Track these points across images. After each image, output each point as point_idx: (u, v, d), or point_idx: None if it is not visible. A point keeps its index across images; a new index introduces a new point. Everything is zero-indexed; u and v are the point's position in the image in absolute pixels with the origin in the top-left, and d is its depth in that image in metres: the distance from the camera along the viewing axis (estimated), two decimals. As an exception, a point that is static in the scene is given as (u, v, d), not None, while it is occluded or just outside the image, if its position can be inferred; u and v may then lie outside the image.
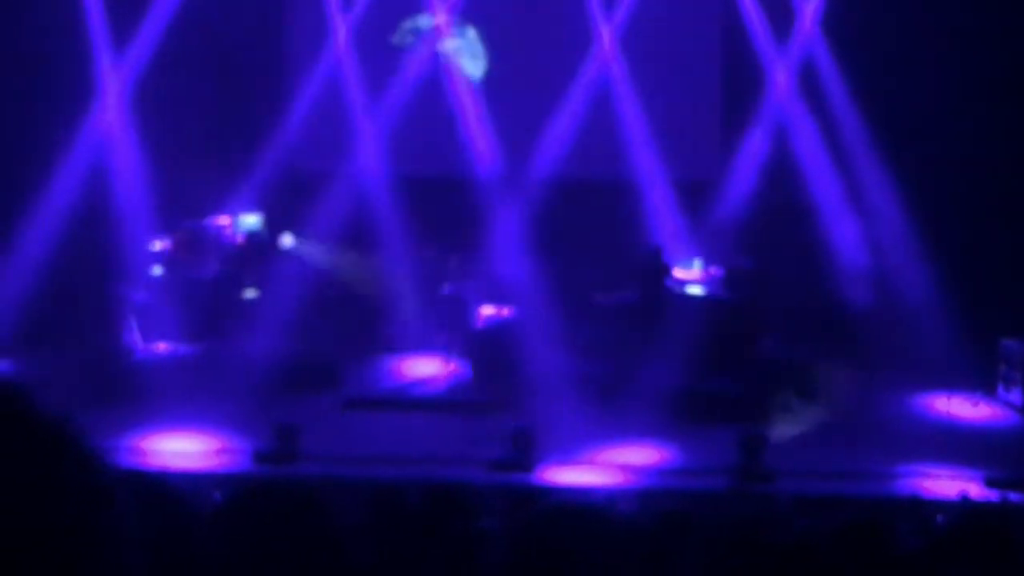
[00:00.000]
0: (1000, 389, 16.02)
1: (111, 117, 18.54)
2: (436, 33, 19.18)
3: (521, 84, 19.14)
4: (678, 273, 17.29)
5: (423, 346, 17.79)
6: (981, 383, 15.78)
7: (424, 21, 19.18)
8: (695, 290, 17.13)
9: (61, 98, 17.82)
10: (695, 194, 18.48)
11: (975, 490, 12.49)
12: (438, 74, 19.21)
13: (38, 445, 1.85)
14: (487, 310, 17.63)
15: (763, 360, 16.41)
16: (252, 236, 18.18)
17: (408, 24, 19.32)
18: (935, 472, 13.47)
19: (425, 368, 17.33)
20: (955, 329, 16.01)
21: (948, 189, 17.41)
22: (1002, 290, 16.69)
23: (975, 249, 17.31)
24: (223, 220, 18.23)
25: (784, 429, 14.71)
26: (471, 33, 19.33)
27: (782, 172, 18.08)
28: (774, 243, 17.50)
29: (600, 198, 18.63)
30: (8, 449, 1.81)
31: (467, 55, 19.35)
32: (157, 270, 17.60)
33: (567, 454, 13.82)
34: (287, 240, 18.08)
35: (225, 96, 18.85)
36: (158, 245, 17.80)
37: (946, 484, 12.88)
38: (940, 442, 14.38)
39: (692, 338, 16.33)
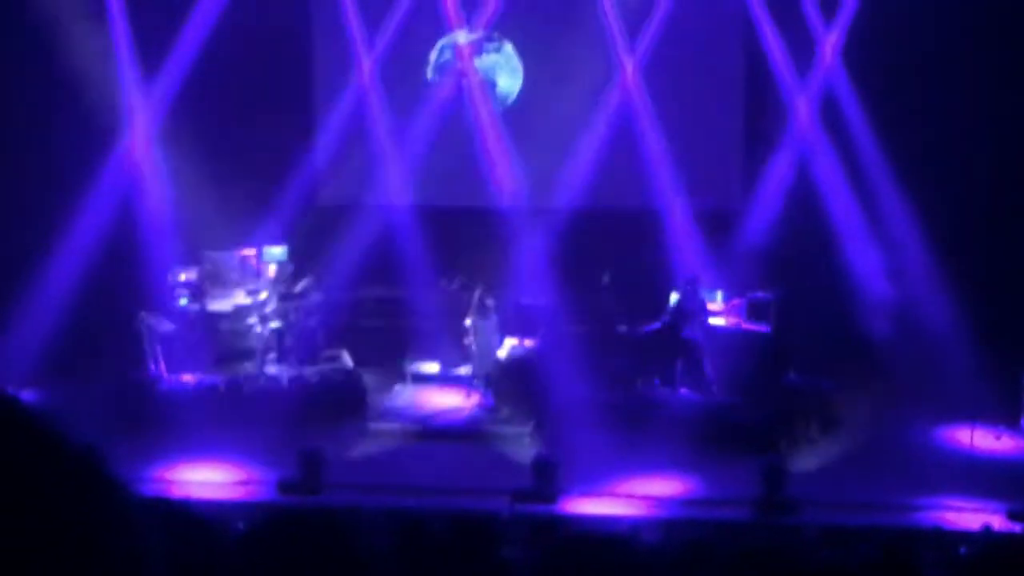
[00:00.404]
0: (1023, 421, 15.95)
1: (138, 148, 18.67)
2: (468, 53, 19.26)
3: (545, 115, 19.19)
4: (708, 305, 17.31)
5: (447, 376, 17.81)
6: (1004, 415, 15.72)
7: (460, 36, 19.23)
8: (718, 321, 17.13)
9: (90, 129, 17.95)
10: (717, 224, 18.49)
11: (998, 522, 12.46)
12: (462, 106, 19.28)
13: (61, 473, 1.88)
14: (511, 340, 17.64)
15: (786, 391, 16.40)
16: (277, 267, 18.22)
17: (444, 42, 19.42)
18: (958, 504, 13.45)
19: (449, 398, 17.34)
20: (978, 361, 15.96)
21: (970, 219, 17.42)
22: (1025, 321, 16.66)
23: (998, 280, 17.28)
24: (248, 251, 18.29)
25: (807, 460, 14.68)
26: (508, 48, 19.41)
27: (804, 202, 18.09)
28: (796, 273, 17.48)
29: (623, 228, 18.64)
30: (30, 477, 1.85)
31: (505, 71, 19.44)
32: (183, 301, 17.65)
33: (590, 484, 13.84)
34: (310, 282, 18.05)
35: (251, 128, 18.93)
36: (183, 276, 17.86)
37: (969, 516, 12.86)
38: (963, 474, 14.34)
39: (715, 369, 16.39)
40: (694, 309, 16.75)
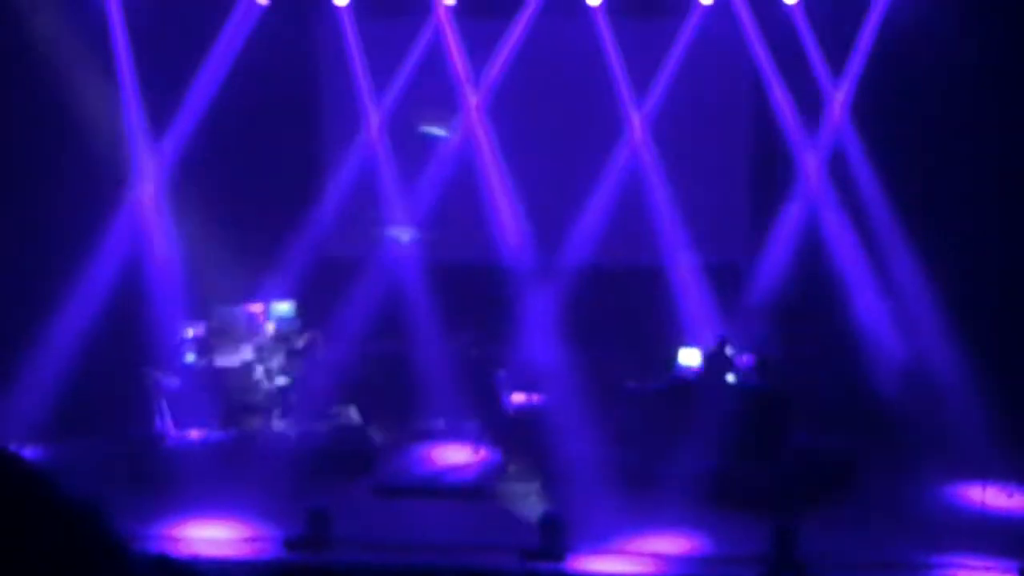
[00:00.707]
0: (1035, 479, 15.87)
1: (146, 203, 18.71)
2: (467, 118, 19.33)
3: (552, 171, 19.26)
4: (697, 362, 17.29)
5: (454, 433, 17.78)
6: (1016, 472, 15.64)
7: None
8: (727, 378, 17.08)
9: (97, 183, 18.00)
10: (726, 280, 18.49)
11: (1011, 581, 12.38)
12: (470, 161, 19.33)
13: (61, 530, 1.85)
14: (518, 397, 17.60)
15: (796, 449, 16.34)
16: (284, 323, 18.23)
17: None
18: (970, 563, 13.34)
19: (456, 455, 17.30)
20: (989, 417, 15.89)
21: (981, 274, 17.38)
22: (1037, 378, 16.61)
23: (1009, 335, 17.23)
24: (256, 307, 18.30)
25: (818, 519, 14.59)
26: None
27: (813, 257, 18.08)
28: (806, 330, 17.46)
29: (631, 285, 18.65)
30: (30, 533, 1.82)
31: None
32: (190, 357, 17.64)
33: (599, 542, 13.76)
34: (317, 337, 18.08)
35: (259, 182, 19.00)
36: (191, 332, 17.86)
37: (982, 575, 12.76)
38: (975, 532, 14.22)
39: (725, 426, 16.32)
40: (721, 367, 16.73)
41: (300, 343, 17.76)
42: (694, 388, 16.81)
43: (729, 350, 16.86)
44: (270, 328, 18.00)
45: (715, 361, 16.80)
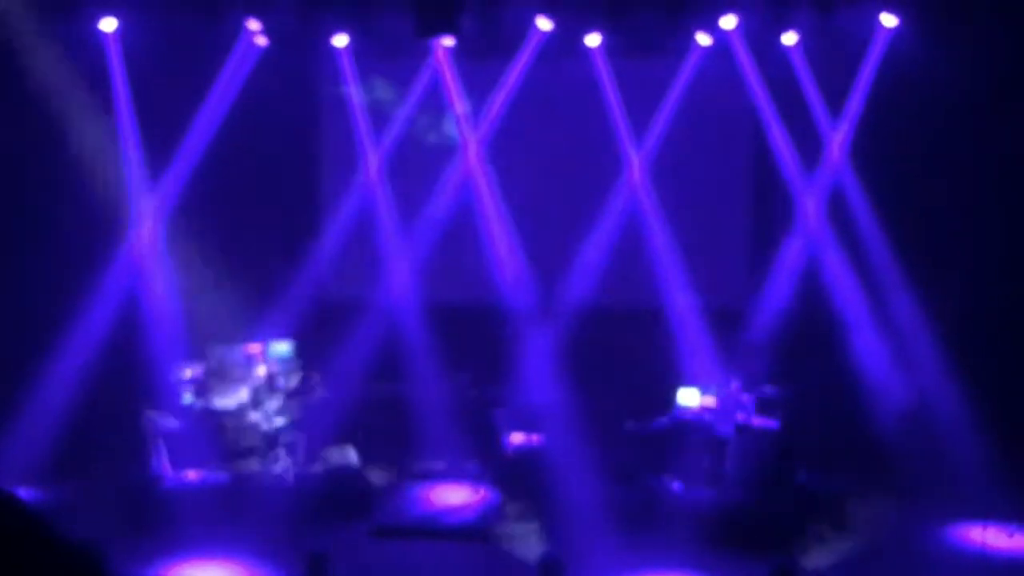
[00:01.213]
0: (1036, 519, 15.83)
1: (144, 244, 18.72)
2: (466, 158, 19.36)
3: (551, 211, 19.30)
4: (705, 401, 17.28)
5: (453, 474, 17.75)
6: (1017, 512, 15.59)
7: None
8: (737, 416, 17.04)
9: (95, 224, 18.03)
10: (725, 320, 18.47)
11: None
12: (469, 202, 19.36)
13: (62, 572, 1.83)
14: (517, 437, 17.57)
15: (796, 488, 16.30)
16: (282, 364, 18.21)
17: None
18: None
19: (455, 496, 17.26)
20: (990, 457, 15.87)
21: (981, 313, 17.37)
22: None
23: (1010, 374, 17.21)
24: (254, 347, 18.28)
25: (818, 559, 14.55)
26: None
27: (812, 297, 18.07)
28: (805, 369, 17.44)
29: (630, 325, 18.65)
30: (29, 574, 1.79)
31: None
32: (187, 398, 17.61)
33: (598, 583, 13.72)
34: (314, 378, 18.09)
35: (257, 223, 19.04)
36: (188, 372, 17.83)
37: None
38: (975, 573, 14.19)
39: (725, 467, 16.30)
40: (731, 408, 16.73)
41: (294, 382, 17.73)
42: (697, 427, 16.80)
43: (735, 389, 16.85)
44: (261, 371, 17.96)
45: (724, 399, 16.81)
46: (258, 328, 18.37)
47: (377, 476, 17.50)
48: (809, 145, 18.34)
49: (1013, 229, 17.56)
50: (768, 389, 17.29)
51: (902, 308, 17.86)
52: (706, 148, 19.07)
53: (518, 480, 16.59)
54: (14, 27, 17.50)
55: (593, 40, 18.58)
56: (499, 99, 19.03)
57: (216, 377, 17.90)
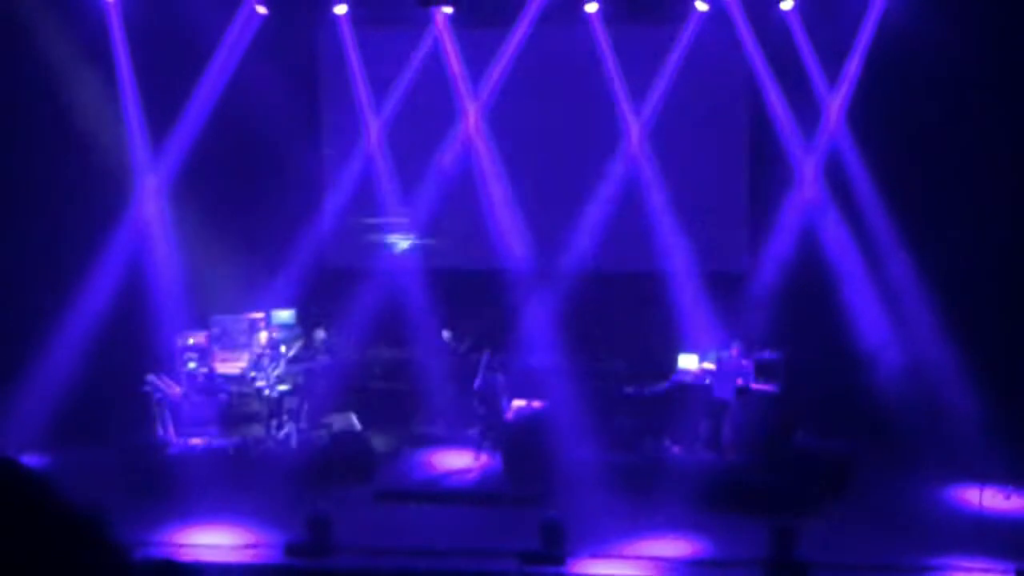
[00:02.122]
0: (1032, 481, 15.89)
1: (148, 212, 18.74)
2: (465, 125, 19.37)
3: (551, 177, 19.30)
4: (707, 365, 17.34)
5: (455, 438, 17.82)
6: (1013, 475, 15.66)
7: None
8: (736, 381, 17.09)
9: (99, 193, 18.04)
10: (724, 285, 18.47)
11: (1008, 582, 12.43)
12: (470, 169, 19.35)
13: (59, 536, 1.89)
14: (518, 402, 17.62)
15: (796, 452, 16.37)
16: (285, 331, 18.28)
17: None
18: (968, 564, 13.40)
19: (457, 460, 17.33)
20: (987, 420, 15.92)
21: (979, 277, 17.38)
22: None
23: (1007, 338, 17.24)
24: (257, 315, 18.35)
25: (817, 521, 14.62)
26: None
27: (810, 262, 18.07)
28: (804, 333, 17.46)
29: (630, 290, 18.66)
30: (29, 539, 1.86)
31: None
32: (191, 364, 17.69)
33: (599, 546, 13.81)
34: (319, 335, 18.20)
35: (259, 192, 19.04)
36: (192, 340, 17.91)
37: (979, 576, 12.83)
38: (972, 534, 14.26)
39: (724, 430, 16.39)
40: (731, 372, 16.79)
41: (297, 349, 17.81)
42: (696, 391, 16.90)
43: (736, 353, 16.90)
44: (263, 337, 18.05)
45: (725, 363, 16.88)
46: (261, 295, 18.43)
47: (379, 441, 17.55)
48: (807, 110, 18.32)
49: (1008, 191, 17.56)
50: (767, 353, 17.35)
51: (900, 270, 17.87)
52: (704, 113, 19.05)
53: (519, 444, 16.63)
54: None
55: (592, 6, 18.56)
56: (499, 66, 19.01)
57: (220, 344, 18.00)
